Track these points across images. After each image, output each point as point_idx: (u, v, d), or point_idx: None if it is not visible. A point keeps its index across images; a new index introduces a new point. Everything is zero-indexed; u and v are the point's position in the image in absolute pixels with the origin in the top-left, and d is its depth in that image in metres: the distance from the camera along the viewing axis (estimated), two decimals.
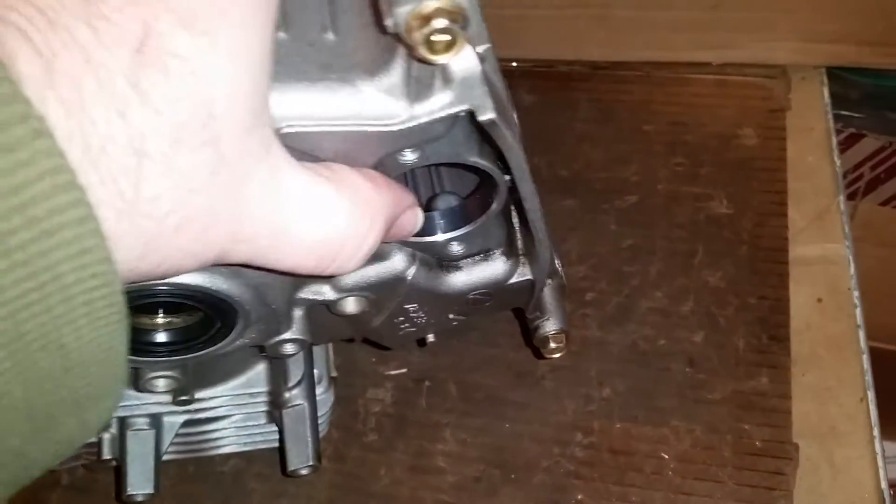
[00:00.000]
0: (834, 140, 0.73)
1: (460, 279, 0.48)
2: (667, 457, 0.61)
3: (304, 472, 0.56)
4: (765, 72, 0.77)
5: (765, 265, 0.68)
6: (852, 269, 0.67)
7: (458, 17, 0.28)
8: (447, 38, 0.28)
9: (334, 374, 0.63)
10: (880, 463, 0.60)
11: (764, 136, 0.74)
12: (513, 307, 0.57)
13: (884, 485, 0.60)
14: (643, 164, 0.74)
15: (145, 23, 0.22)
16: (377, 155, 0.35)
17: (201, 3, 0.23)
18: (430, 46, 0.28)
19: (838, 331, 0.65)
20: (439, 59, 0.29)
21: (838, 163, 0.72)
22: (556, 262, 0.54)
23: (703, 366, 0.64)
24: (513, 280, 0.49)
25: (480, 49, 0.33)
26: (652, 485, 0.60)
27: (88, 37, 0.21)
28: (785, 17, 0.74)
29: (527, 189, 0.40)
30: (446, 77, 0.33)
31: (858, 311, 0.66)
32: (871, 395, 0.63)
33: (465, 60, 0.33)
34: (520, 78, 0.80)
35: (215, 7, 0.23)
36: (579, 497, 0.60)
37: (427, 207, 0.45)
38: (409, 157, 0.36)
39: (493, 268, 0.48)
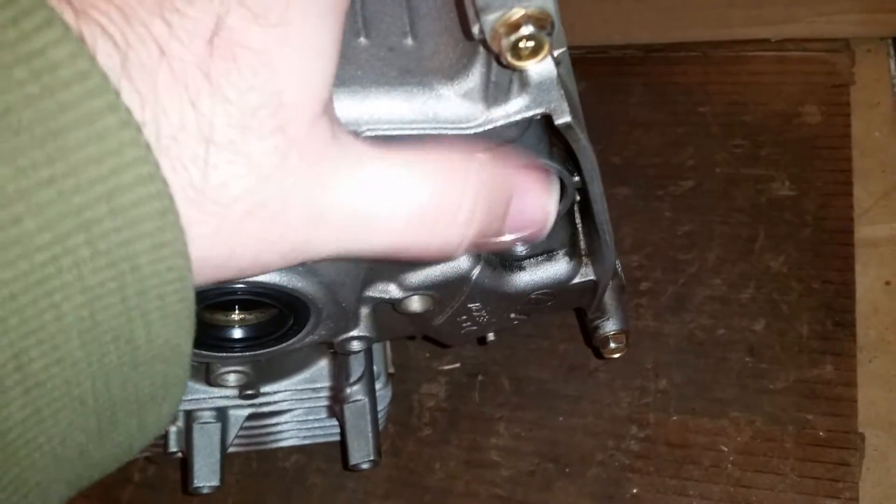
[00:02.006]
0: None
1: (523, 279, 0.49)
2: (726, 449, 0.60)
3: (364, 465, 0.57)
4: (827, 46, 0.74)
5: (829, 248, 0.65)
6: None
7: (545, 24, 0.28)
8: (533, 44, 0.28)
9: (392, 370, 0.64)
10: None
11: (827, 113, 0.71)
12: (574, 307, 0.57)
13: None
14: (699, 147, 0.72)
15: (217, 16, 0.23)
16: None
17: None
18: (517, 53, 0.29)
19: None
20: (524, 64, 0.29)
21: None
22: (616, 262, 0.54)
23: (765, 354, 0.62)
24: (575, 280, 0.49)
25: (556, 53, 0.34)
26: (711, 478, 0.59)
27: (163, 30, 0.22)
28: None
29: (596, 191, 0.40)
30: (523, 81, 0.34)
31: None
32: None
33: (541, 65, 0.33)
34: (572, 64, 0.78)
35: (287, 1, 0.24)
36: (635, 491, 0.60)
37: None
38: None
39: (556, 268, 0.49)
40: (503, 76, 0.33)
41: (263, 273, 0.28)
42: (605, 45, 0.79)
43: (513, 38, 0.28)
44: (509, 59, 0.29)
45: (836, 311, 0.63)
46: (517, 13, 0.28)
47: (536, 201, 0.32)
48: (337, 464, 0.65)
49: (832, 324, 0.63)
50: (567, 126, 0.34)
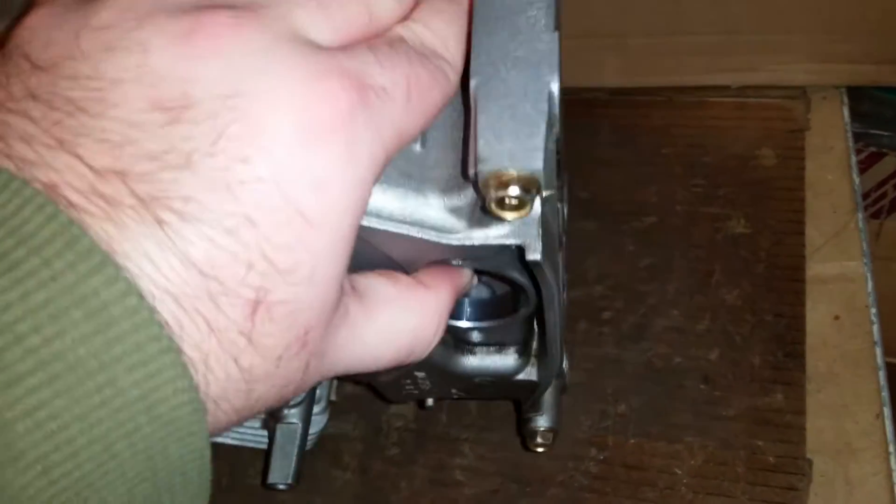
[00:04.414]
0: (853, 158, 0.74)
1: (471, 363, 0.50)
2: (680, 472, 0.62)
3: (281, 486, 0.59)
4: (784, 93, 0.78)
5: (782, 283, 0.69)
6: (870, 286, 0.67)
7: (531, 187, 0.30)
8: (517, 202, 0.30)
9: (334, 398, 0.65)
10: None
11: (783, 157, 0.75)
12: (512, 398, 0.59)
13: None
14: (662, 185, 0.75)
15: (258, 289, 0.26)
16: (433, 257, 0.38)
17: (299, 252, 0.26)
18: (501, 205, 0.31)
19: (855, 348, 0.65)
20: (505, 215, 0.31)
21: (857, 180, 0.72)
22: (564, 365, 0.56)
23: (718, 383, 0.65)
24: (519, 377, 0.50)
25: (545, 194, 0.35)
26: (665, 499, 0.61)
27: (212, 311, 0.25)
28: (801, 38, 0.74)
29: (551, 319, 0.42)
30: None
31: (876, 328, 0.66)
32: (887, 411, 0.62)
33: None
34: None
35: (310, 251, 0.26)
36: None
37: None
38: (458, 262, 0.39)
39: (505, 361, 0.50)
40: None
41: None
42: (576, 88, 0.83)
43: (500, 193, 0.30)
44: (493, 208, 0.31)
45: (787, 343, 0.66)
46: (508, 174, 0.30)
47: (468, 287, 0.42)
48: (304, 480, 0.67)
49: (783, 355, 0.65)
50: (535, 263, 0.36)
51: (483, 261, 0.39)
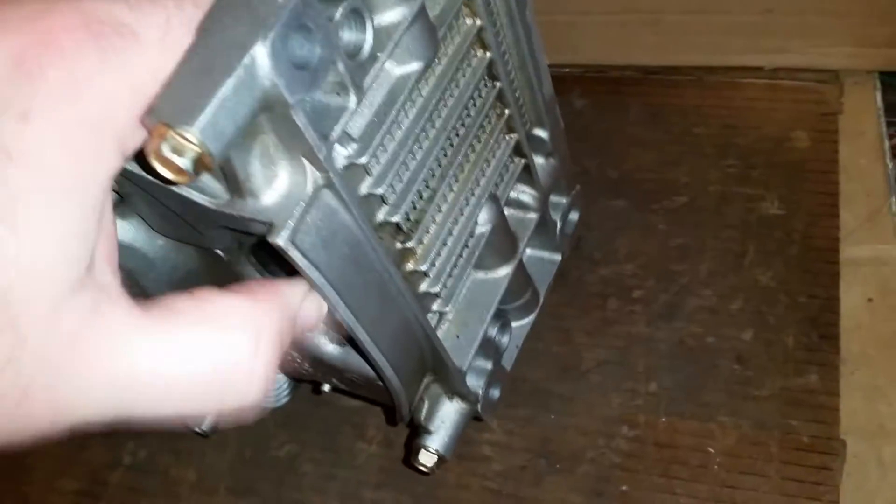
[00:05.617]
0: (886, 143, 0.73)
1: (337, 354, 0.48)
2: (712, 451, 0.61)
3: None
4: (817, 76, 0.77)
5: (816, 265, 0.68)
6: None
7: (184, 151, 0.26)
8: (176, 162, 0.26)
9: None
10: None
11: (816, 140, 0.74)
12: (388, 406, 0.54)
13: None
14: (693, 165, 0.74)
15: None
16: (213, 222, 0.34)
17: None
18: (160, 159, 0.26)
19: (888, 330, 0.65)
20: (165, 173, 0.26)
21: (890, 165, 0.72)
22: (484, 389, 0.54)
23: (752, 363, 0.65)
24: (379, 382, 0.47)
25: (321, 178, 0.32)
26: (697, 478, 0.61)
27: None
28: (838, 21, 0.74)
29: (342, 317, 0.38)
30: (272, 185, 0.32)
31: None
32: None
33: (298, 181, 0.32)
34: (572, 83, 0.81)
35: (9, 188, 0.24)
36: (624, 488, 0.61)
37: None
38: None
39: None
40: (261, 173, 0.32)
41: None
42: (604, 65, 0.82)
43: (156, 146, 0.26)
44: (152, 160, 0.26)
45: (820, 324, 0.65)
46: (165, 130, 0.26)
47: (312, 307, 0.35)
48: (329, 453, 0.66)
49: (817, 336, 0.65)
50: (278, 246, 0.32)
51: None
